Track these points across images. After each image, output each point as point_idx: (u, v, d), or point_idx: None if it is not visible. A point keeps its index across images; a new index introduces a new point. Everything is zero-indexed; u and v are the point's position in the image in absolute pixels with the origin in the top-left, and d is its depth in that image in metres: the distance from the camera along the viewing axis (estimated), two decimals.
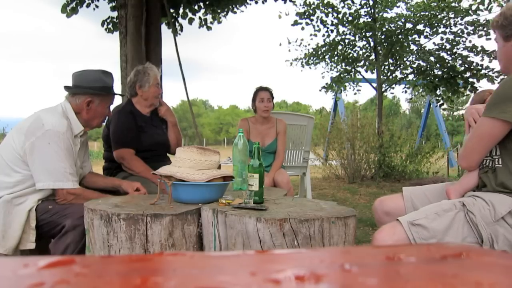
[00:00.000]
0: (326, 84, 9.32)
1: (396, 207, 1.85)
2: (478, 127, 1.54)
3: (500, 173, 1.54)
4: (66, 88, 2.18)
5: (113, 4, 6.05)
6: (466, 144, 1.60)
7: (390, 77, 8.95)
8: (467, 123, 1.70)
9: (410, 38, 8.37)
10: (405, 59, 8.59)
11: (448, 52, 8.15)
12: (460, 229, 1.48)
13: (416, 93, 10.54)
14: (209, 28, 6.93)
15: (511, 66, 1.62)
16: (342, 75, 8.96)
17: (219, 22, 6.98)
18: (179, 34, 6.61)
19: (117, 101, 5.06)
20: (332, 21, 8.43)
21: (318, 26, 8.48)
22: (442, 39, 8.22)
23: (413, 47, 8.54)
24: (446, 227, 1.48)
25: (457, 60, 8.06)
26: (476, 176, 1.64)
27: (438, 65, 8.25)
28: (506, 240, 1.46)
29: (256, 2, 6.66)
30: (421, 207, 1.62)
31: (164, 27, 6.05)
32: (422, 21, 8.09)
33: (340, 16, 8.29)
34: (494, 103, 1.49)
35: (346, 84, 9.35)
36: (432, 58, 8.27)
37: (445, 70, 8.13)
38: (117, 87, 5.00)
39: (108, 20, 6.45)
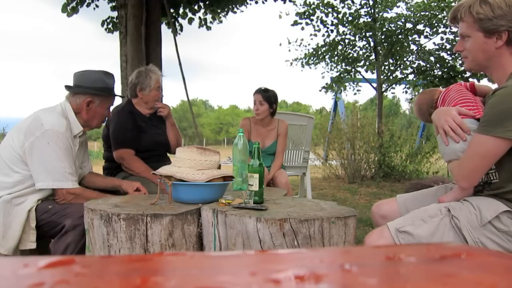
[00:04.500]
0: (326, 84, 9.32)
1: (392, 210, 1.84)
2: (480, 145, 1.42)
3: (495, 185, 1.50)
4: (67, 87, 2.18)
5: (113, 4, 6.06)
6: (466, 164, 1.47)
7: (390, 77, 8.96)
8: (443, 132, 1.54)
9: (410, 38, 8.39)
10: (405, 59, 8.60)
11: (448, 52, 8.16)
12: (445, 234, 1.47)
13: (416, 93, 10.54)
14: (209, 28, 6.94)
15: (490, 64, 1.49)
16: (342, 75, 8.97)
17: (220, 22, 6.98)
18: (179, 34, 6.62)
19: (117, 101, 5.06)
20: (332, 21, 8.44)
21: (318, 26, 8.50)
22: (442, 39, 8.23)
23: (413, 47, 8.55)
24: (431, 233, 1.47)
25: (457, 60, 8.06)
26: (471, 190, 1.58)
27: (438, 65, 8.26)
28: (496, 245, 1.43)
29: (256, 2, 6.66)
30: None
31: (164, 27, 6.06)
32: (422, 21, 8.11)
33: (340, 16, 8.30)
34: (496, 119, 1.38)
35: (346, 84, 9.35)
36: (432, 58, 8.27)
37: (445, 70, 8.13)
38: (117, 88, 5.00)
39: (108, 20, 6.45)
